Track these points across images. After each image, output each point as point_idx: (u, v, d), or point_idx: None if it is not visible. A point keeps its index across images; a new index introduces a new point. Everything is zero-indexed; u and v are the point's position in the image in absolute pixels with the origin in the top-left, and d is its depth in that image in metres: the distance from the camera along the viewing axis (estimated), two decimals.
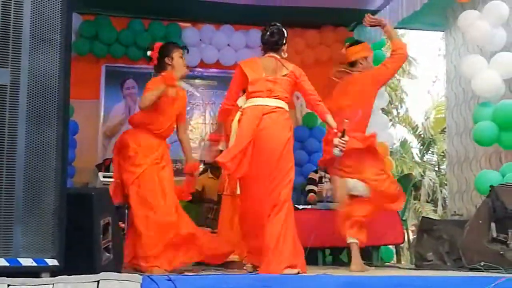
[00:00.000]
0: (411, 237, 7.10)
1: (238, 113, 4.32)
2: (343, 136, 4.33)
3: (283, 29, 4.39)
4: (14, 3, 2.94)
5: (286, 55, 4.39)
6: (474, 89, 5.59)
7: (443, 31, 7.83)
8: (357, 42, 5.24)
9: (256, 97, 4.17)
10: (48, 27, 3.02)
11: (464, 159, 6.78)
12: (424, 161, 18.48)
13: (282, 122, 4.14)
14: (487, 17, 5.49)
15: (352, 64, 5.01)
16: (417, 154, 18.69)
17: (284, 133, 4.12)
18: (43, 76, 2.99)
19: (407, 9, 6.51)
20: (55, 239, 2.94)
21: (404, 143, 18.25)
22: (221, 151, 4.40)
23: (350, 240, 4.65)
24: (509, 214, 4.29)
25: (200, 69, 7.88)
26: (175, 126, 4.65)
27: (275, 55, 4.32)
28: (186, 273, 3.88)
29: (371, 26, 5.20)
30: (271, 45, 4.34)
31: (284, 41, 4.37)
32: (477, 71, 5.47)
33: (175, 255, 4.32)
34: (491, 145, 5.67)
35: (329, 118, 4.32)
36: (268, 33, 4.35)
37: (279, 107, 4.15)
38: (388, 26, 5.01)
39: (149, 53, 4.64)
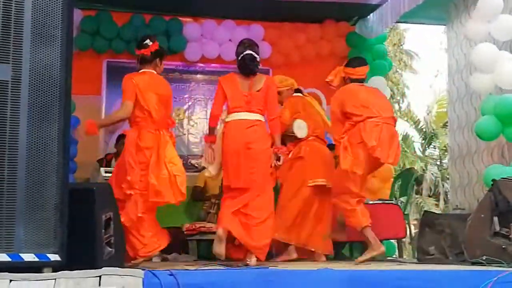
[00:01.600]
0: (413, 231, 7.10)
1: (221, 126, 4.79)
2: (278, 160, 4.75)
3: (257, 54, 4.78)
4: None
5: None
6: (496, 82, 5.47)
7: (445, 25, 7.81)
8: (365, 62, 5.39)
9: (237, 112, 4.66)
10: (49, 22, 3.01)
11: (466, 153, 6.77)
12: (426, 155, 18.50)
13: (263, 135, 4.68)
14: (479, 13, 5.49)
15: (362, 81, 5.24)
16: (419, 148, 18.71)
17: (266, 146, 4.67)
18: (45, 72, 2.98)
19: (409, 3, 6.48)
20: (57, 234, 2.95)
21: (406, 138, 18.26)
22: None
23: None
24: (511, 208, 4.29)
25: (202, 64, 7.87)
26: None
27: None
28: (188, 268, 3.88)
29: None
30: (247, 72, 4.76)
31: (258, 66, 4.80)
32: (495, 63, 5.39)
33: None
34: (493, 140, 5.66)
35: (277, 137, 4.78)
36: (246, 61, 4.74)
37: (258, 120, 4.66)
38: None
39: (149, 42, 4.71)
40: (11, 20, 2.92)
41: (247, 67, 4.74)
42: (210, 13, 7.74)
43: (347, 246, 6.42)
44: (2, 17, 2.91)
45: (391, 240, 6.67)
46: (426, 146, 18.55)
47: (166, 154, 4.49)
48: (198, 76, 7.96)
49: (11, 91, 2.90)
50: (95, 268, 2.96)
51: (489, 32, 5.47)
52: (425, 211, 5.97)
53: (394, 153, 4.90)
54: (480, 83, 5.58)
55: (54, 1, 3.04)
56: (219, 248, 4.47)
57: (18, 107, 2.91)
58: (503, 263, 4.00)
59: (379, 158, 4.81)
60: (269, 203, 4.67)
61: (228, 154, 4.61)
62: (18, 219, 2.86)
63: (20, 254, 2.86)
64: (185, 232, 6.26)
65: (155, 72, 4.73)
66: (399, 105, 19.65)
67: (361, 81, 5.20)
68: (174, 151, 4.60)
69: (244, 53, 4.76)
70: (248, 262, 4.47)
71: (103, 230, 3.44)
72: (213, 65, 7.86)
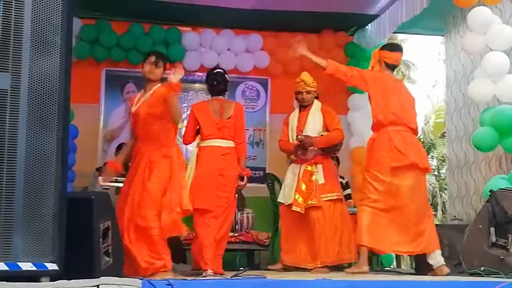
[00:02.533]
0: None
1: (195, 149, 5.09)
2: (242, 180, 5.03)
3: (226, 75, 5.22)
4: (15, 7, 2.94)
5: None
6: (497, 92, 5.47)
7: (443, 35, 7.84)
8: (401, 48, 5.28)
9: (210, 138, 4.99)
10: (48, 31, 3.02)
11: (464, 163, 6.78)
12: None
13: (234, 162, 5.00)
14: (471, 26, 5.53)
15: (395, 67, 5.19)
16: None
17: (235, 172, 5.00)
18: (44, 81, 2.98)
19: (407, 13, 6.50)
20: (54, 243, 2.94)
21: None
22: None
23: None
24: (509, 218, 4.30)
25: (200, 74, 7.85)
26: None
27: (220, 97, 5.16)
28: (185, 278, 3.87)
29: None
30: (218, 92, 5.16)
31: (227, 86, 5.23)
32: (504, 73, 5.40)
33: None
34: (490, 151, 5.67)
35: (243, 160, 5.09)
36: (215, 82, 5.16)
37: (231, 147, 5.01)
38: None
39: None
40: (10, 29, 2.93)
41: (219, 85, 5.14)
42: (209, 22, 7.75)
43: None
44: (2, 25, 2.92)
45: None
46: None
47: None
48: (197, 85, 7.95)
49: (10, 100, 2.90)
50: (93, 278, 2.96)
51: (487, 43, 5.49)
52: None
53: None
54: (479, 91, 5.55)
55: (54, 10, 3.04)
56: None
57: (17, 116, 2.91)
58: (501, 274, 4.00)
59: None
60: (230, 224, 5.08)
61: (200, 177, 4.88)
62: (16, 228, 2.85)
63: (18, 263, 2.84)
64: (182, 242, 6.24)
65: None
66: None
67: (395, 67, 5.16)
68: None
69: (215, 70, 5.25)
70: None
71: (101, 239, 3.43)
72: None
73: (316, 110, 5.57)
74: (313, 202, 5.27)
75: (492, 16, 5.45)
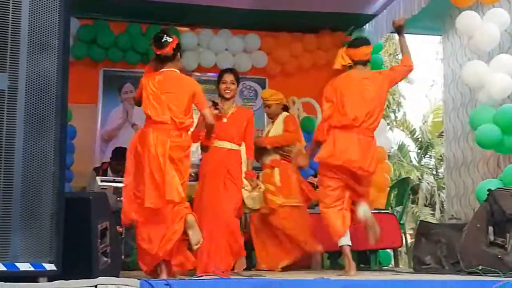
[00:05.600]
0: (409, 241, 7.10)
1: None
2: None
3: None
4: (12, 8, 2.94)
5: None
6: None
7: (440, 35, 7.85)
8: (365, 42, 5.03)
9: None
10: (46, 31, 3.02)
11: (461, 162, 6.78)
12: (422, 165, 18.48)
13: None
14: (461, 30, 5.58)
15: (365, 63, 4.83)
16: (414, 158, 18.70)
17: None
18: (41, 81, 2.99)
19: (405, 13, 6.50)
20: (52, 244, 2.94)
21: (402, 147, 18.26)
22: None
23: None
24: (507, 217, 4.29)
25: (198, 73, 7.86)
26: None
27: None
28: (183, 277, 3.87)
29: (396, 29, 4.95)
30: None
31: None
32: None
33: None
34: (493, 148, 5.64)
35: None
36: None
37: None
38: (402, 38, 4.92)
39: (168, 38, 4.26)
40: (8, 29, 2.93)
41: None
42: (207, 22, 7.76)
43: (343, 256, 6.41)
44: None
45: (387, 250, 6.67)
46: (422, 155, 18.54)
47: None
48: None
49: (8, 100, 2.91)
50: (91, 278, 2.96)
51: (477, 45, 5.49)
52: (421, 221, 5.98)
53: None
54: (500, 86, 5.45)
55: (51, 10, 3.04)
56: None
57: (15, 116, 2.91)
58: (498, 273, 4.00)
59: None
60: None
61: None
62: (14, 228, 2.85)
63: (16, 264, 2.85)
64: None
65: (176, 70, 4.38)
66: (395, 114, 19.66)
67: (365, 62, 4.80)
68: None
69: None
70: None
71: (99, 240, 3.43)
72: (209, 74, 7.86)
73: (280, 120, 5.76)
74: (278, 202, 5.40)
75: (478, 18, 5.46)
